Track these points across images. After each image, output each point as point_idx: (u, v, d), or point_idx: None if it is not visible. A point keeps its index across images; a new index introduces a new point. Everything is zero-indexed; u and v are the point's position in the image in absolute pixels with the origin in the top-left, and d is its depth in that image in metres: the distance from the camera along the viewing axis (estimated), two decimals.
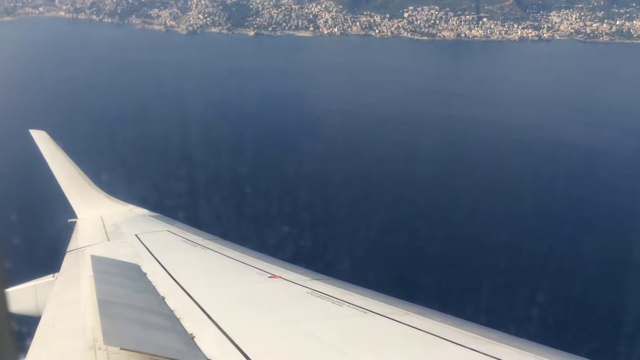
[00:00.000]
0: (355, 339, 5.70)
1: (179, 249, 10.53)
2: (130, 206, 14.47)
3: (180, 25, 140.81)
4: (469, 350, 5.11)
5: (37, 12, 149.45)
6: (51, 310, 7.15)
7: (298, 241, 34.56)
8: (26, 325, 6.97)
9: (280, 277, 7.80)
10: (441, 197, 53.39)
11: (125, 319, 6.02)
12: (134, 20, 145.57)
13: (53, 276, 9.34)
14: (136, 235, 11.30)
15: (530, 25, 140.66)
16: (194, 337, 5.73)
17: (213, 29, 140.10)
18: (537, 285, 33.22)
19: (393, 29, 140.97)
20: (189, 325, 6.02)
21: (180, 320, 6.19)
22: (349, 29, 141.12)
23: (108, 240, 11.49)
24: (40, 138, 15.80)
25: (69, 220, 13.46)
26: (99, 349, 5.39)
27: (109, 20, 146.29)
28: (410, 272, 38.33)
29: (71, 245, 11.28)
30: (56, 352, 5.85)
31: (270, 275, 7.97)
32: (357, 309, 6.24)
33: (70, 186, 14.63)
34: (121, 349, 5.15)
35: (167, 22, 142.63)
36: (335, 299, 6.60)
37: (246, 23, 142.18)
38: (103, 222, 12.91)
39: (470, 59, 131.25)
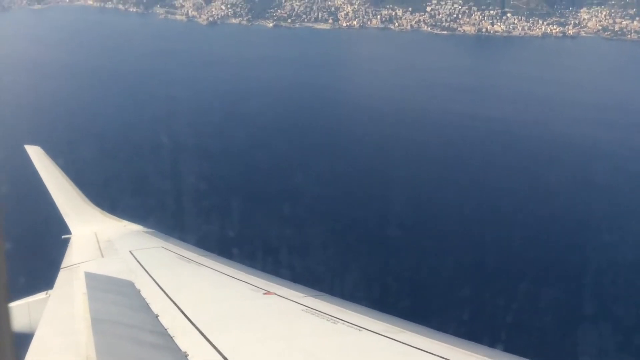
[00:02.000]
0: (350, 357, 5.69)
1: (173, 266, 10.52)
2: (125, 222, 14.40)
3: (202, 16, 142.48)
4: None
5: (66, 0, 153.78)
6: (44, 327, 7.06)
7: None
8: (19, 343, 6.81)
9: (275, 294, 7.75)
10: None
11: (118, 337, 6.01)
12: (158, 9, 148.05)
13: (46, 293, 9.24)
14: (130, 251, 11.23)
15: (556, 21, 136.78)
16: (188, 355, 5.70)
17: (233, 20, 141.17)
18: None
19: (413, 22, 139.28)
20: (183, 343, 5.98)
21: (173, 338, 6.16)
22: (369, 22, 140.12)
23: (102, 256, 11.43)
24: (35, 153, 15.60)
25: (63, 237, 13.34)
26: None
27: (134, 10, 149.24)
28: None
29: (65, 262, 11.19)
30: None
31: (264, 291, 7.92)
32: (352, 327, 6.19)
33: (65, 202, 14.50)
34: None
35: (190, 12, 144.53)
36: (330, 317, 6.56)
37: (267, 15, 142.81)
38: (97, 239, 12.83)
39: (492, 54, 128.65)
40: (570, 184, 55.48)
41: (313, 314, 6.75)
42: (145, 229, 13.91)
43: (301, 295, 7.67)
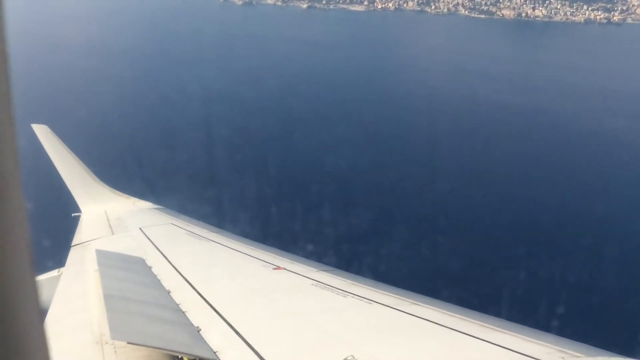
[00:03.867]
0: (360, 329, 5.70)
1: (184, 242, 10.57)
2: (134, 199, 14.41)
3: None
4: (476, 339, 5.12)
5: None
6: (57, 305, 7.16)
7: None
8: None
9: (285, 269, 7.82)
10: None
11: (131, 313, 6.06)
12: None
13: (58, 271, 9.33)
14: (140, 228, 11.28)
15: (602, 7, 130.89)
16: (200, 330, 5.78)
17: (269, 1, 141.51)
18: None
19: (451, 5, 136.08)
20: (195, 318, 6.07)
21: (186, 313, 6.25)
22: (405, 5, 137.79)
23: (112, 234, 11.45)
24: (42, 132, 15.50)
25: (73, 215, 13.37)
26: (106, 343, 5.57)
27: None
28: None
29: (76, 240, 11.28)
30: (64, 347, 5.91)
31: (274, 267, 7.99)
32: (362, 300, 6.24)
33: (74, 180, 14.48)
34: (128, 343, 5.26)
35: None
36: (340, 290, 6.62)
37: None
38: (107, 216, 12.86)
39: (533, 40, 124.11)
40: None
41: (323, 288, 6.78)
42: (155, 206, 13.99)
43: (311, 269, 7.78)
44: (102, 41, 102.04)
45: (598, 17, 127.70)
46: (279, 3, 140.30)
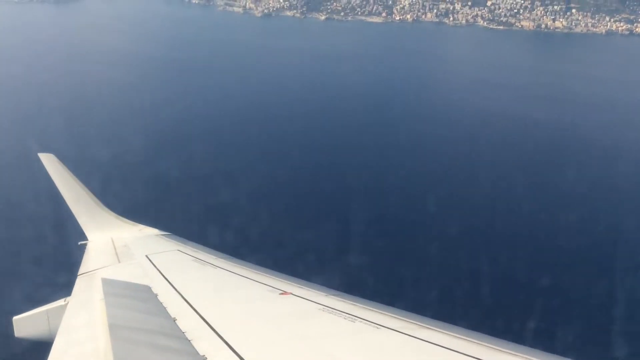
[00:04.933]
0: (368, 354, 5.65)
1: (190, 269, 10.56)
2: (140, 226, 14.46)
3: (258, 8, 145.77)
4: None
5: None
6: (63, 335, 7.15)
7: None
8: (39, 351, 7.26)
9: (292, 294, 7.77)
10: None
11: (136, 343, 6.06)
12: (219, 1, 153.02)
13: (65, 300, 9.27)
14: (146, 255, 11.31)
15: (625, 18, 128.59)
16: (207, 358, 5.73)
17: (288, 13, 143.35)
18: None
19: (469, 17, 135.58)
20: (201, 346, 5.99)
21: (192, 342, 6.17)
22: (423, 16, 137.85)
23: (119, 261, 11.46)
24: (48, 161, 15.69)
25: (79, 243, 13.41)
26: None
27: (196, 1, 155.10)
28: None
29: (82, 269, 11.23)
30: None
31: (281, 292, 7.95)
32: (370, 324, 6.22)
33: (80, 208, 14.59)
34: None
35: (248, 4, 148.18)
36: (347, 315, 6.59)
37: (321, 7, 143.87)
38: (113, 244, 12.93)
39: (552, 52, 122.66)
40: None
41: (330, 313, 6.73)
42: (161, 232, 14.05)
43: (318, 294, 7.67)
44: (130, 51, 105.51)
45: (620, 28, 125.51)
46: (298, 15, 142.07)
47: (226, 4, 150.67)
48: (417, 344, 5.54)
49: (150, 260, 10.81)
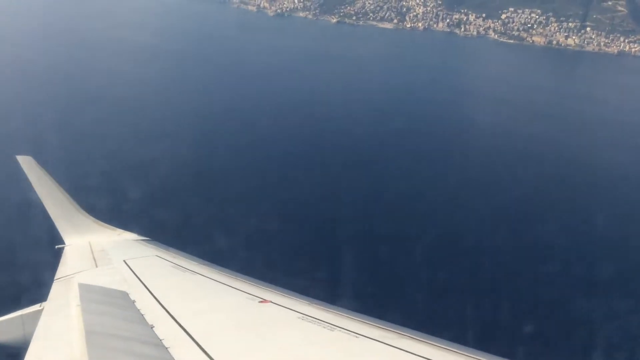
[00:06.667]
0: None
1: (168, 275, 10.43)
2: (119, 231, 14.28)
3: (271, 7, 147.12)
4: None
5: None
6: (39, 341, 7.02)
7: None
8: (13, 358, 7.21)
9: (271, 302, 7.75)
10: None
11: (113, 350, 5.97)
12: None
13: (40, 305, 9.11)
14: (124, 261, 11.12)
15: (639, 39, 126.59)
16: None
17: (301, 14, 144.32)
18: None
19: (481, 29, 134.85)
20: (178, 354, 5.95)
21: (169, 349, 6.11)
22: (434, 25, 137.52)
23: (96, 266, 11.30)
24: (26, 163, 15.28)
25: (56, 247, 13.16)
26: None
27: None
28: None
29: (59, 273, 11.01)
30: None
31: (260, 299, 7.90)
32: (349, 333, 6.19)
33: (57, 211, 14.33)
34: None
35: (262, 3, 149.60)
36: (326, 324, 6.57)
37: (334, 10, 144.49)
38: (91, 248, 12.72)
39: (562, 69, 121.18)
40: None
41: (309, 322, 6.72)
42: (140, 237, 13.91)
43: (297, 302, 7.65)
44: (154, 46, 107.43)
45: (633, 49, 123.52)
46: (310, 16, 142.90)
47: (241, 2, 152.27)
48: (395, 354, 5.53)
49: (128, 266, 10.63)
